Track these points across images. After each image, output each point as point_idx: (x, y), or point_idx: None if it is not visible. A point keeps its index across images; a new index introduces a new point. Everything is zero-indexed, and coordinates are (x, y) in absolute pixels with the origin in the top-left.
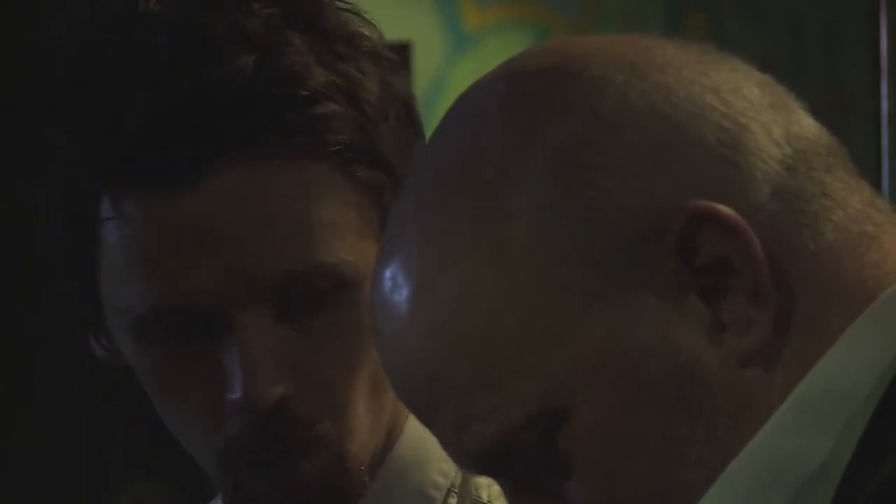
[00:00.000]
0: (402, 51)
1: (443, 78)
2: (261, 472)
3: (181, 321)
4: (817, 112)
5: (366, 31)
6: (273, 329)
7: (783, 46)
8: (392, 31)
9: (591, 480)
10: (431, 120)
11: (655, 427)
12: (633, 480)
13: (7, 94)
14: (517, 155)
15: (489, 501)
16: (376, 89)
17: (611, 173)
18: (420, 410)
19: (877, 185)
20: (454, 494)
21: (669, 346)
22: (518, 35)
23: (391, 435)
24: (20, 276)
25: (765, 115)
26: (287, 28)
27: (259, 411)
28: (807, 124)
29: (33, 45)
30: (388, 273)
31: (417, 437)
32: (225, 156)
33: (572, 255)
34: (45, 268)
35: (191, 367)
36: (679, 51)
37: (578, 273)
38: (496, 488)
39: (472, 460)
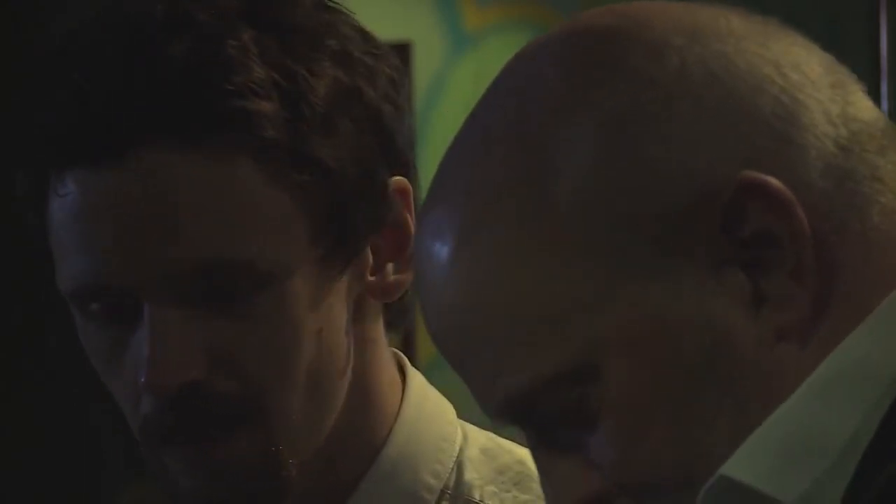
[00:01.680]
0: (402, 51)
1: (443, 78)
2: (176, 454)
3: (105, 300)
4: None
5: (349, 31)
6: (185, 315)
7: None
8: (392, 31)
9: (615, 440)
10: (432, 118)
11: (684, 395)
12: (656, 445)
13: (7, 94)
14: (568, 115)
15: (481, 501)
16: (325, 92)
17: (662, 140)
18: (453, 357)
19: None
20: (447, 496)
21: (706, 316)
22: (518, 35)
23: (380, 436)
24: (20, 276)
25: (823, 94)
26: (239, 20)
27: (161, 395)
28: (864, 106)
29: (33, 45)
30: (432, 222)
31: (408, 437)
32: (147, 138)
33: (616, 221)
34: (45, 267)
35: (118, 346)
36: (742, 21)
37: (621, 239)
38: (489, 488)
39: (500, 409)
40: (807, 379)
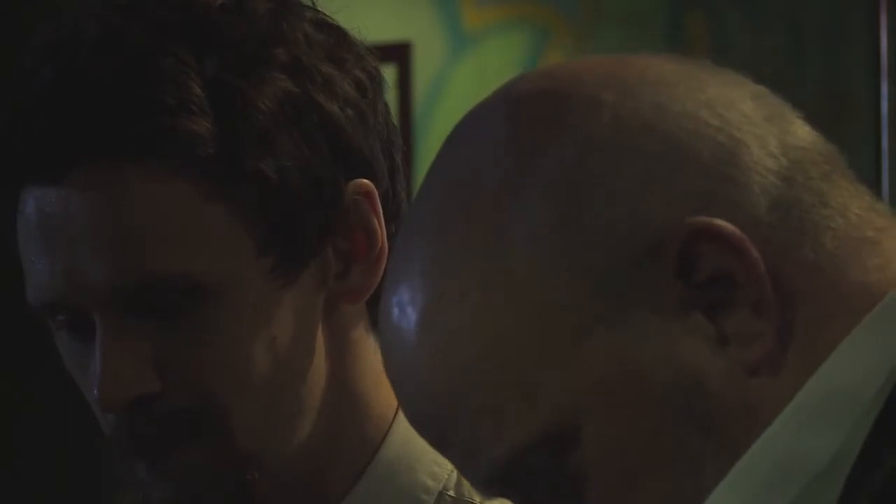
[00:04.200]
0: (402, 51)
1: (443, 78)
2: (140, 465)
3: (66, 314)
4: (817, 113)
5: (305, 39)
6: (133, 330)
7: (783, 46)
8: (392, 31)
9: (605, 499)
10: (432, 119)
11: (667, 444)
12: (648, 496)
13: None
14: (514, 182)
15: (482, 503)
16: (268, 104)
17: (607, 195)
18: (431, 437)
19: (877, 185)
20: (448, 498)
21: (674, 363)
22: (518, 35)
23: (375, 437)
24: (21, 276)
25: (760, 128)
26: (178, 34)
27: (113, 411)
28: (803, 133)
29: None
30: (394, 301)
31: (405, 439)
32: (85, 157)
33: (571, 280)
34: None
35: (84, 358)
36: (673, 67)
37: (578, 297)
38: None
39: (486, 484)
40: (786, 408)
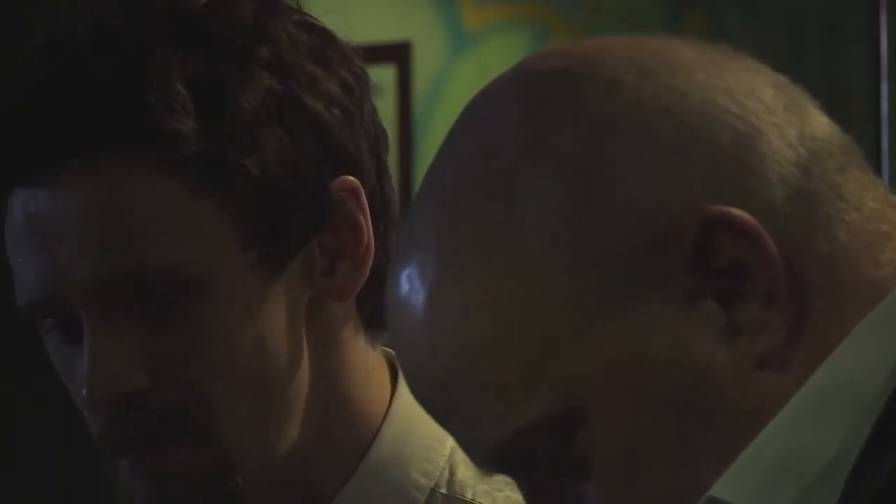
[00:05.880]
0: (402, 51)
1: (442, 78)
2: (128, 466)
3: (54, 316)
4: None
5: (289, 38)
6: (121, 327)
7: (783, 46)
8: (392, 31)
9: (606, 484)
10: (431, 119)
11: (669, 433)
12: (648, 485)
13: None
14: (527, 164)
15: (473, 499)
16: (251, 101)
17: (622, 180)
18: (436, 411)
19: None
20: (439, 495)
21: (682, 352)
22: (518, 35)
23: (366, 437)
24: None
25: (779, 117)
26: (164, 35)
27: (102, 409)
28: (821, 124)
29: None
30: (403, 278)
31: (396, 436)
32: (72, 156)
33: (582, 265)
34: None
35: (70, 359)
36: (693, 52)
37: (589, 282)
38: (481, 487)
39: (488, 461)
40: (791, 400)
